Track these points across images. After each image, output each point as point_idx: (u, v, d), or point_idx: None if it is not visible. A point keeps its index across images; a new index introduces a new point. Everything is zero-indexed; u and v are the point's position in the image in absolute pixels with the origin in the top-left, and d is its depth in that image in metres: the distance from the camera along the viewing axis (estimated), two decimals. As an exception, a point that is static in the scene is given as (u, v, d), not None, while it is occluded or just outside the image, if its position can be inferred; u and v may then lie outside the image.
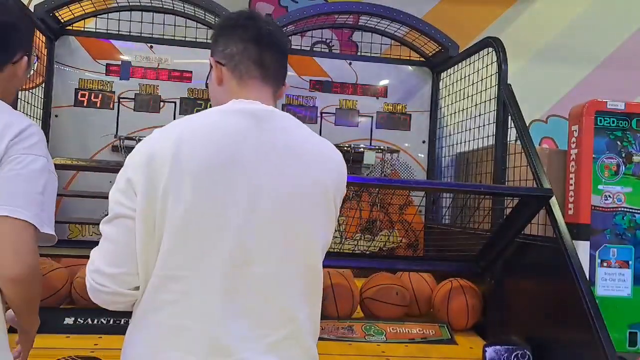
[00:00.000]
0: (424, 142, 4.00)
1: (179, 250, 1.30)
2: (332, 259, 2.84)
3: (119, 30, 3.71)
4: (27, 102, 3.37)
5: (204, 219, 1.30)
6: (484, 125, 3.29)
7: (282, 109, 3.83)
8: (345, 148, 3.73)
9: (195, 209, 1.29)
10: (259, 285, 1.33)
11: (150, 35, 3.73)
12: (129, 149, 3.69)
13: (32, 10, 3.35)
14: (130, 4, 3.69)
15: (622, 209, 3.35)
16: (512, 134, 2.94)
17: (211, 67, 1.55)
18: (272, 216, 1.34)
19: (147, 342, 1.33)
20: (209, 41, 4.04)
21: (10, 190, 1.42)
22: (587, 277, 2.58)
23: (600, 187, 3.34)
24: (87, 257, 1.38)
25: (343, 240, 3.57)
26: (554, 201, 2.55)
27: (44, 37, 3.53)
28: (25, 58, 1.61)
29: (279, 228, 1.35)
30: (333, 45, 4.25)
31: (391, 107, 3.98)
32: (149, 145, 1.35)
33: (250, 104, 1.44)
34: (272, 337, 1.34)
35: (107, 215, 1.36)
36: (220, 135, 1.35)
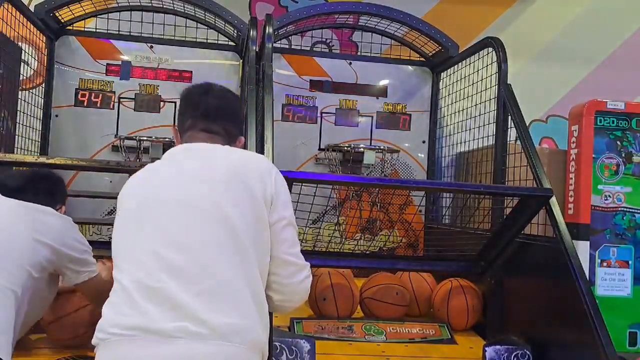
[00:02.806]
0: (424, 142, 4.00)
1: None
2: (332, 259, 2.85)
3: (119, 30, 3.71)
4: (27, 102, 3.37)
5: None
6: (484, 125, 3.29)
7: (282, 109, 3.83)
8: (345, 148, 3.73)
9: None
10: None
11: (150, 35, 3.73)
12: (129, 149, 3.72)
13: (33, 10, 3.35)
14: (130, 4, 3.69)
15: (622, 208, 3.35)
16: (512, 134, 2.94)
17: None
18: None
19: None
20: (209, 41, 4.05)
21: None
22: (587, 277, 2.58)
23: (600, 187, 3.34)
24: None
25: (343, 240, 3.57)
26: (554, 201, 2.55)
27: (44, 37, 3.53)
28: (64, 208, 2.16)
29: None
30: (333, 45, 4.25)
31: (391, 107, 3.98)
32: None
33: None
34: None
35: None
36: None
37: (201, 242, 1.48)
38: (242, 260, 1.49)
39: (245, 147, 2.26)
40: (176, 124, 1.84)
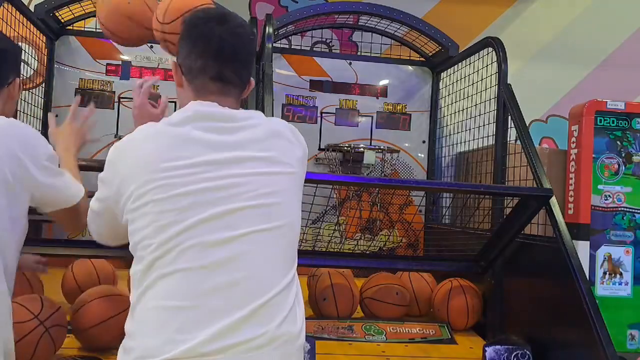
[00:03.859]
0: (424, 142, 4.00)
1: None
2: (332, 259, 2.85)
3: (119, 30, 3.70)
4: (27, 102, 3.37)
5: None
6: (484, 125, 3.29)
7: (282, 109, 3.83)
8: (345, 148, 3.73)
9: None
10: None
11: (150, 35, 3.72)
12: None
13: (33, 10, 3.35)
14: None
15: (622, 208, 3.35)
16: (512, 133, 2.94)
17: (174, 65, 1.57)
18: None
19: None
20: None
21: None
22: (587, 277, 2.58)
23: (600, 186, 3.34)
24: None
25: (343, 240, 3.58)
26: (554, 201, 2.55)
27: (44, 37, 3.53)
28: (18, 80, 1.82)
29: None
30: (333, 45, 4.25)
31: (391, 107, 3.98)
32: None
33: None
34: None
35: None
36: None
37: None
38: None
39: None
40: (179, 59, 1.54)
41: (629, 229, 3.34)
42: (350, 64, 3.96)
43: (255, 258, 1.38)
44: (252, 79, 1.60)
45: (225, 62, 1.49)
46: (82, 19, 3.70)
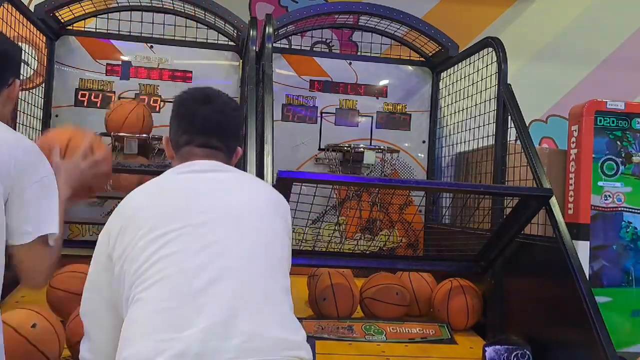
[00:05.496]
0: (424, 142, 3.99)
1: None
2: (332, 259, 2.85)
3: (119, 30, 3.70)
4: (27, 102, 3.37)
5: None
6: (483, 125, 3.29)
7: (283, 109, 3.83)
8: (345, 148, 3.73)
9: None
10: None
11: (150, 35, 3.72)
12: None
13: (33, 10, 3.35)
14: (130, 4, 3.69)
15: (622, 208, 3.35)
16: (512, 133, 2.94)
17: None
18: None
19: None
20: (209, 41, 4.02)
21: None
22: (587, 277, 2.58)
23: (600, 183, 3.35)
24: (87, 257, 1.40)
25: (343, 240, 3.58)
26: (553, 201, 2.55)
27: (44, 37, 3.53)
28: (17, 81, 1.77)
29: None
30: (333, 45, 4.25)
31: (391, 107, 3.98)
32: None
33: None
34: None
35: None
36: None
37: None
38: None
39: (244, 147, 2.22)
40: (169, 134, 1.66)
41: (632, 241, 3.35)
42: (350, 64, 3.96)
43: (239, 264, 1.41)
44: (239, 148, 1.69)
45: (210, 135, 1.61)
46: (82, 19, 3.70)
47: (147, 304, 1.35)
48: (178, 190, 1.52)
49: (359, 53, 4.12)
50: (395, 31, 3.91)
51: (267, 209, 1.56)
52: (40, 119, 3.52)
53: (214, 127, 1.60)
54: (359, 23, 3.95)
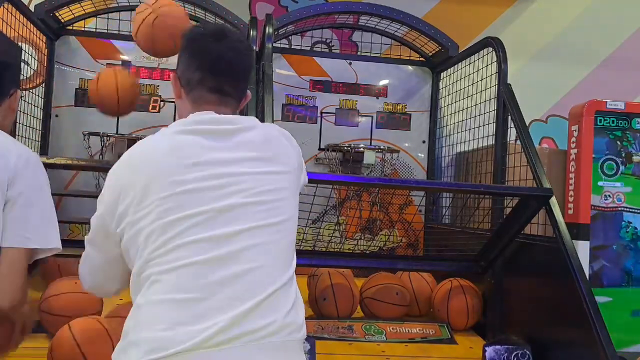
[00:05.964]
0: (424, 142, 4.00)
1: None
2: (332, 258, 2.85)
3: (119, 30, 3.70)
4: (27, 102, 3.37)
5: None
6: (483, 125, 3.29)
7: (282, 109, 3.83)
8: (345, 148, 3.73)
9: None
10: None
11: (151, 35, 3.72)
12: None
13: (33, 10, 3.35)
14: (130, 4, 3.69)
15: (622, 208, 3.36)
16: (512, 133, 2.94)
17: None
18: None
19: None
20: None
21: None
22: (587, 277, 2.58)
23: (600, 183, 3.35)
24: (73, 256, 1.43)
25: (343, 240, 3.58)
26: (553, 201, 2.55)
27: (44, 37, 3.53)
28: (18, 91, 1.81)
29: None
30: (333, 45, 4.25)
31: (391, 107, 3.98)
32: None
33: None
34: None
35: None
36: None
37: None
38: None
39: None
40: (178, 71, 1.58)
41: (632, 241, 3.35)
42: (350, 64, 3.96)
43: (258, 252, 1.41)
44: (248, 91, 1.64)
45: (222, 76, 1.54)
46: (82, 19, 3.71)
47: (167, 292, 1.35)
48: (203, 163, 1.43)
49: (359, 53, 4.12)
50: (395, 31, 3.91)
51: (290, 180, 1.55)
52: (40, 119, 3.52)
53: (227, 67, 1.54)
54: (359, 23, 3.95)
